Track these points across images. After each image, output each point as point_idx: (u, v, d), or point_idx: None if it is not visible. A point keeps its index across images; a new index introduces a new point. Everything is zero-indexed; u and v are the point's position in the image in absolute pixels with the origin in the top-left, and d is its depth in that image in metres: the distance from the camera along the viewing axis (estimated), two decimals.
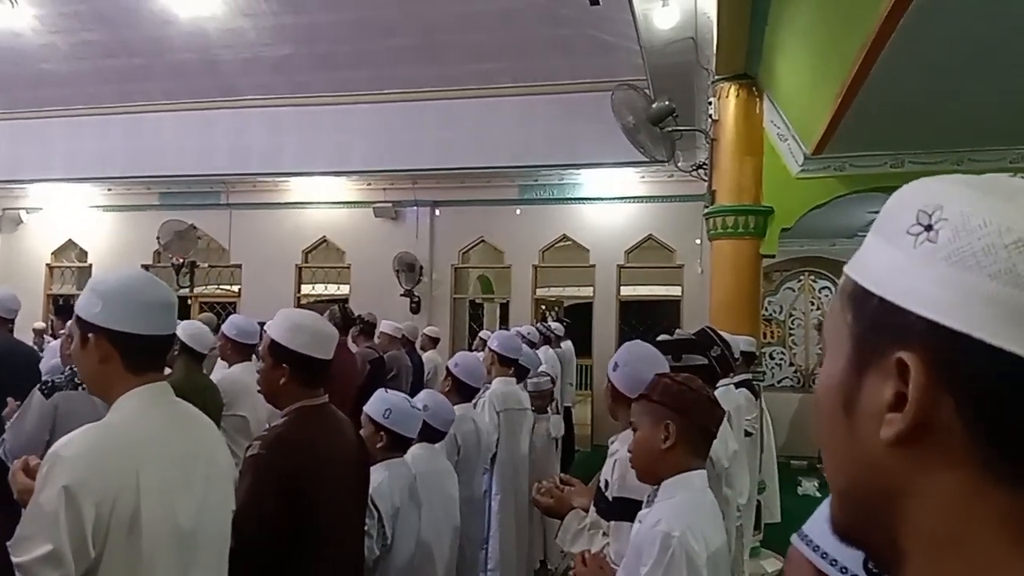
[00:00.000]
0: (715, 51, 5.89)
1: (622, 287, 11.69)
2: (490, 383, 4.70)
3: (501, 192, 11.92)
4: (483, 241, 12.28)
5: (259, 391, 2.41)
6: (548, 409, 5.64)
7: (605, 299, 11.66)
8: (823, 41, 4.71)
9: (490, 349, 4.73)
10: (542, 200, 11.89)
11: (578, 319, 11.99)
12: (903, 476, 0.54)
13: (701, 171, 7.19)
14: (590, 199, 11.74)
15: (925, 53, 4.00)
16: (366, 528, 2.65)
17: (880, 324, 0.55)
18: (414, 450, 3.07)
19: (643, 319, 11.66)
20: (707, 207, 6.63)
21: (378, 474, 2.80)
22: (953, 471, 0.52)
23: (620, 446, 2.46)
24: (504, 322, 12.44)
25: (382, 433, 2.90)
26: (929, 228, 0.54)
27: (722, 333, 3.90)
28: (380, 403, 2.97)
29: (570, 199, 11.87)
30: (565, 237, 11.93)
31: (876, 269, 0.57)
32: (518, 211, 11.93)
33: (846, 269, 0.61)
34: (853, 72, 4.15)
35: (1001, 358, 0.50)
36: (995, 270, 0.50)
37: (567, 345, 9.22)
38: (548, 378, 5.71)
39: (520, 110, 10.80)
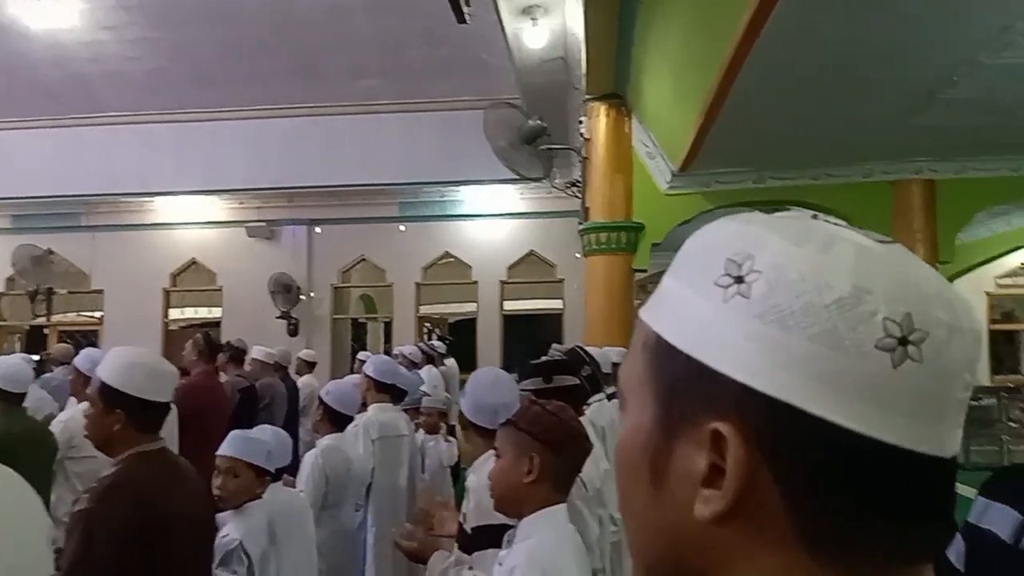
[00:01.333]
0: (584, 71, 5.97)
1: (505, 302, 11.71)
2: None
3: (382, 209, 11.75)
4: (364, 259, 12.05)
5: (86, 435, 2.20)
6: (440, 430, 5.50)
7: (489, 314, 11.65)
8: (686, 63, 4.83)
9: (365, 375, 4.57)
10: (424, 217, 11.79)
11: (463, 335, 11.93)
12: (720, 556, 0.48)
13: (575, 188, 7.28)
14: (472, 216, 11.73)
15: (779, 76, 4.16)
16: None
17: (691, 387, 0.49)
18: (270, 490, 2.90)
19: (527, 333, 11.71)
20: (581, 223, 6.70)
21: (243, 518, 2.66)
22: (775, 551, 0.47)
23: (476, 478, 2.39)
24: (388, 341, 12.24)
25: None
26: (740, 280, 0.48)
27: (591, 349, 3.90)
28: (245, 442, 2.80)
29: (452, 216, 11.83)
30: (448, 254, 11.87)
31: (682, 322, 0.50)
32: (402, 228, 11.78)
33: (643, 316, 0.54)
34: (714, 92, 4.27)
35: (823, 428, 0.45)
36: (815, 332, 0.45)
37: (451, 363, 9.12)
38: (438, 398, 5.58)
39: (402, 127, 10.68)
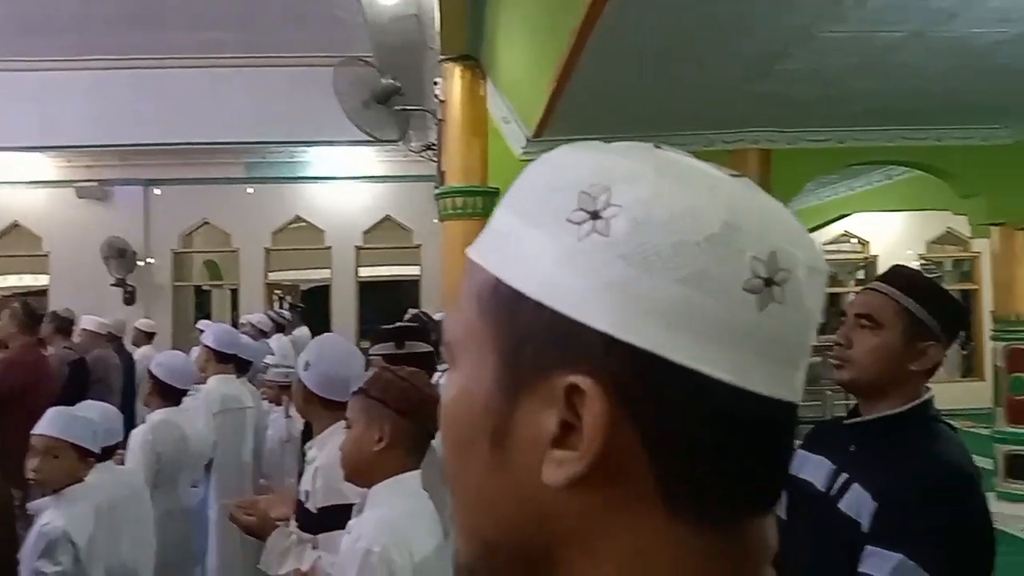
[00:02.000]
0: (438, 30, 5.84)
1: (360, 268, 11.48)
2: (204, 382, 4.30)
3: (227, 170, 11.17)
4: (207, 223, 11.46)
5: None
6: (283, 403, 5.29)
7: (344, 281, 11.39)
8: (538, 25, 4.81)
9: (204, 345, 4.33)
10: (273, 179, 11.32)
11: (316, 303, 11.61)
12: (573, 525, 0.43)
13: (431, 151, 7.17)
14: (324, 178, 11.37)
15: (627, 42, 4.22)
16: (60, 568, 2.33)
17: (541, 338, 0.43)
18: (96, 471, 2.69)
19: (383, 300, 11.54)
20: (437, 188, 6.62)
21: (65, 503, 2.53)
22: (635, 513, 0.43)
23: (318, 452, 2.30)
24: (235, 310, 11.73)
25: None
26: (596, 216, 0.42)
27: (436, 316, 3.86)
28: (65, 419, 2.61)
29: (303, 178, 11.42)
30: (299, 218, 11.47)
31: (529, 265, 0.44)
32: (250, 190, 11.25)
33: (476, 259, 0.48)
34: (565, 58, 4.27)
35: (691, 379, 0.41)
36: (684, 274, 0.41)
37: (303, 331, 8.85)
38: (285, 369, 5.36)
39: (248, 83, 10.14)
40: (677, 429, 0.42)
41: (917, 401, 1.53)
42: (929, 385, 1.58)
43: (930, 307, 1.52)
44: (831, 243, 11.83)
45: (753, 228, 0.42)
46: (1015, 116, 6.19)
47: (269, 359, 5.48)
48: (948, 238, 11.80)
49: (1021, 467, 6.44)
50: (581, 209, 0.43)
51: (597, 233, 0.42)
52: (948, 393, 11.26)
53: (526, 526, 0.45)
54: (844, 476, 1.51)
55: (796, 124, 6.21)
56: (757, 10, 3.82)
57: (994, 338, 6.89)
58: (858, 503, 1.44)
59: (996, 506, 6.40)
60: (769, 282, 0.42)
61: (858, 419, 1.59)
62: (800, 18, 3.86)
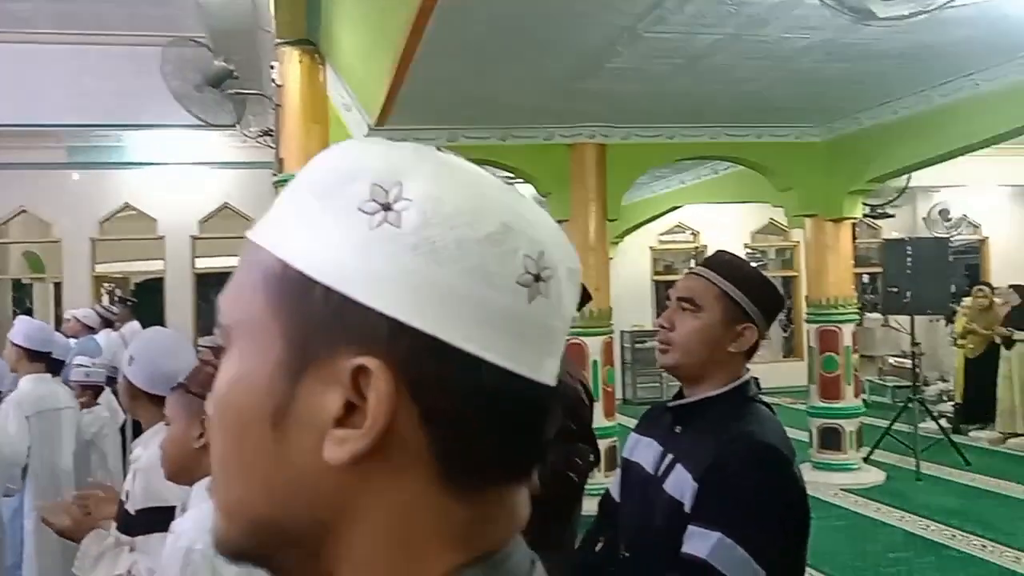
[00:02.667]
0: (273, 13, 5.65)
1: (197, 259, 10.94)
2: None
3: (47, 154, 10.33)
4: (25, 211, 10.55)
5: None
6: (99, 404, 4.98)
7: (179, 273, 10.83)
8: (376, 12, 4.76)
9: (12, 343, 4.01)
10: (99, 164, 10.57)
11: (149, 296, 10.97)
12: (349, 499, 0.46)
13: (268, 137, 6.94)
14: (156, 164, 10.72)
15: (465, 32, 4.26)
16: None
17: (331, 322, 0.45)
18: None
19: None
20: (275, 175, 6.42)
21: None
22: (411, 488, 0.46)
23: (142, 451, 2.21)
24: (58, 305, 10.90)
25: None
26: (388, 208, 0.45)
27: None
28: None
29: (133, 163, 10.72)
30: (128, 206, 10.78)
31: (319, 251, 0.46)
32: (76, 176, 10.45)
33: (259, 241, 0.49)
34: (403, 45, 4.25)
35: (470, 362, 0.45)
36: (467, 265, 0.45)
37: (133, 326, 8.34)
38: (98, 368, 5.04)
39: (70, 61, 9.36)
40: (453, 407, 0.45)
41: (737, 382, 1.58)
42: (748, 367, 1.65)
43: (747, 291, 1.59)
44: (666, 233, 12.44)
45: (526, 230, 0.47)
46: (823, 116, 6.74)
47: (79, 359, 5.13)
48: (771, 228, 12.68)
49: (832, 438, 7.03)
50: (373, 200, 0.45)
51: (389, 224, 0.45)
52: (772, 373, 12.12)
53: (302, 502, 0.47)
54: (669, 457, 1.55)
55: (629, 120, 6.47)
56: (585, 8, 3.95)
57: (808, 321, 7.47)
58: (681, 484, 1.48)
59: (811, 475, 7.00)
60: (537, 278, 0.47)
61: (682, 401, 1.63)
62: (625, 19, 4.03)
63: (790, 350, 12.93)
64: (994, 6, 4.07)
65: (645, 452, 1.65)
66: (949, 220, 12.03)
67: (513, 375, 0.46)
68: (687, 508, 1.45)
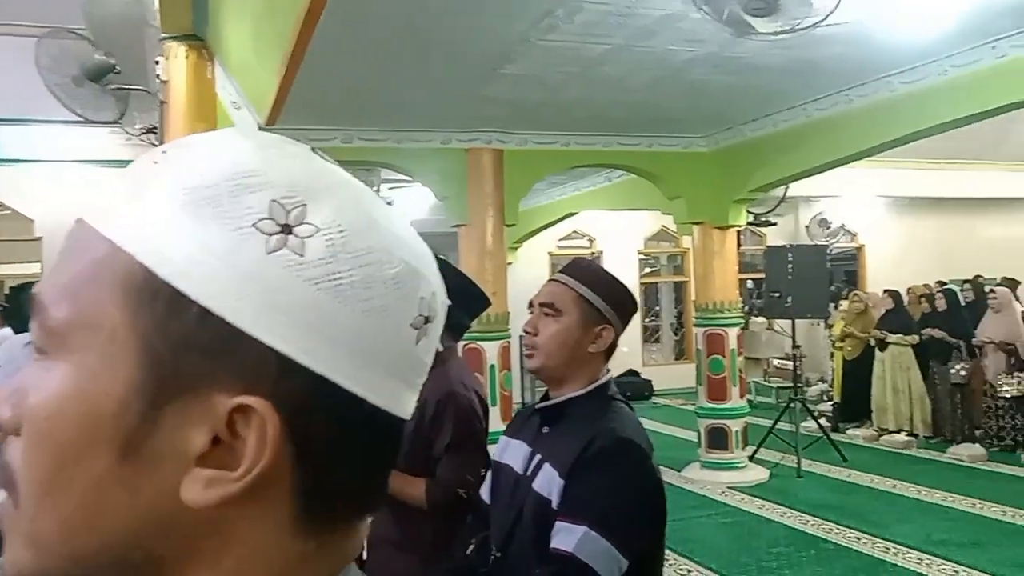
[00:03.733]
0: (157, 6, 5.43)
1: None
2: None
3: None
4: None
5: None
6: None
7: None
8: (264, 7, 4.64)
9: None
10: None
11: (23, 300, 10.34)
12: (198, 539, 0.42)
13: (152, 135, 6.66)
14: (33, 161, 10.12)
15: (356, 33, 4.21)
16: None
17: (206, 348, 0.40)
18: None
19: None
20: None
21: None
22: (266, 527, 0.43)
23: None
24: None
25: None
26: (288, 231, 0.41)
27: None
28: None
29: (6, 160, 10.08)
30: (2, 205, 10.13)
31: (195, 265, 0.40)
32: None
33: (107, 231, 0.42)
34: (293, 43, 4.15)
35: (360, 406, 0.43)
36: (371, 307, 0.42)
37: (4, 332, 7.84)
38: None
39: None
40: (329, 448, 0.43)
41: (598, 382, 1.66)
42: (609, 368, 1.72)
43: (602, 293, 1.67)
44: (563, 239, 12.62)
45: (422, 270, 0.46)
46: (710, 127, 6.99)
47: None
48: (663, 235, 13.04)
49: (719, 438, 7.27)
50: (272, 219, 0.41)
51: (290, 250, 0.41)
52: (665, 375, 12.50)
53: (141, 539, 0.42)
54: (537, 457, 1.60)
55: (526, 126, 6.54)
56: (480, 14, 3.97)
57: (697, 324, 7.72)
58: (548, 482, 1.54)
59: (699, 474, 7.24)
60: (427, 320, 0.46)
61: (548, 402, 1.69)
62: (519, 25, 4.07)
63: (681, 353, 13.33)
64: (864, 27, 4.32)
65: (515, 454, 1.70)
66: (829, 228, 12.67)
67: (393, 418, 0.46)
68: (554, 505, 1.50)
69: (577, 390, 1.64)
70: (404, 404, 0.47)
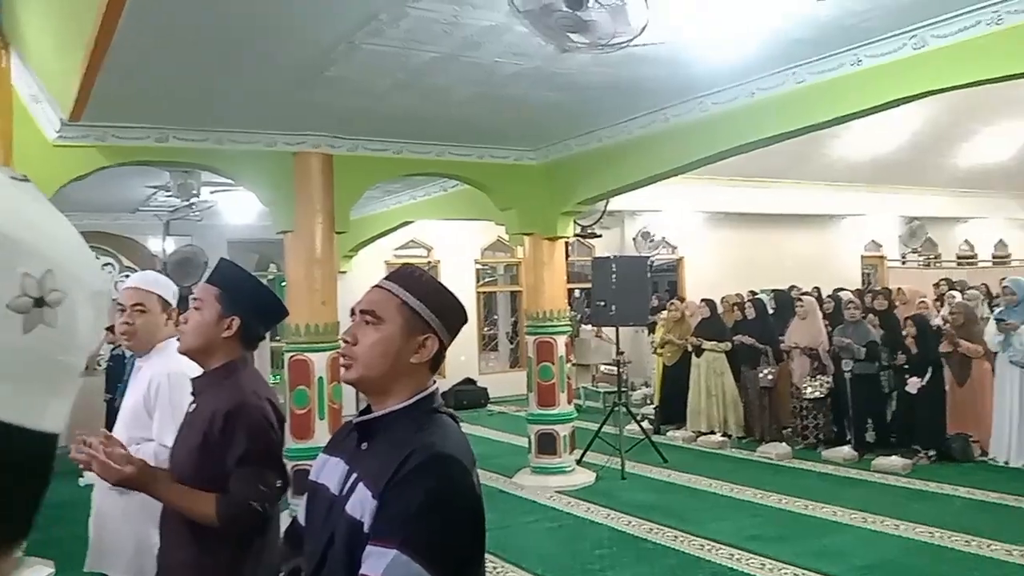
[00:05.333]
0: None
1: None
2: None
3: None
4: None
5: None
6: None
7: None
8: None
9: None
10: None
11: None
12: None
13: None
14: None
15: (163, 30, 3.97)
16: None
17: None
18: None
19: None
20: None
21: None
22: None
23: None
24: None
25: None
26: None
27: None
28: None
29: None
30: None
31: None
32: None
33: None
34: (95, 37, 3.86)
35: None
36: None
37: None
38: None
39: None
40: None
41: (421, 394, 1.57)
42: (436, 379, 1.65)
43: (426, 301, 1.59)
44: (400, 248, 12.52)
45: (30, 241, 0.37)
46: (538, 141, 7.16)
47: None
48: (499, 245, 13.22)
49: (548, 443, 7.43)
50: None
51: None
52: (501, 383, 12.64)
53: None
54: (353, 476, 1.51)
55: (356, 132, 6.42)
56: (296, 11, 3.83)
57: (528, 333, 7.85)
58: (362, 503, 1.45)
59: (529, 479, 7.35)
60: (40, 302, 0.38)
61: (368, 416, 1.59)
62: (341, 27, 3.97)
63: (516, 361, 13.56)
64: (679, 49, 4.56)
65: (331, 473, 1.60)
66: (652, 241, 13.32)
67: (8, 427, 0.38)
68: (367, 528, 1.42)
69: (399, 403, 1.55)
70: (38, 413, 0.39)
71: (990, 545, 5.20)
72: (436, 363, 1.62)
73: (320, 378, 6.35)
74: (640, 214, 13.16)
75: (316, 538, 1.55)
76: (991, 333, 7.36)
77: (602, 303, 7.99)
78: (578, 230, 8.86)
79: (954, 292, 9.82)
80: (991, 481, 6.73)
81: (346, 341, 1.59)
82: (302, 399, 6.33)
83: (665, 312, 9.92)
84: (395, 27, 3.98)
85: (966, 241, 17.43)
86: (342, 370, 1.62)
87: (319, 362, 6.32)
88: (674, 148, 6.13)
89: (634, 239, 13.25)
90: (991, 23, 3.96)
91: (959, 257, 17.14)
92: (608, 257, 8.49)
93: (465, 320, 1.69)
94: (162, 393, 2.66)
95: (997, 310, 7.59)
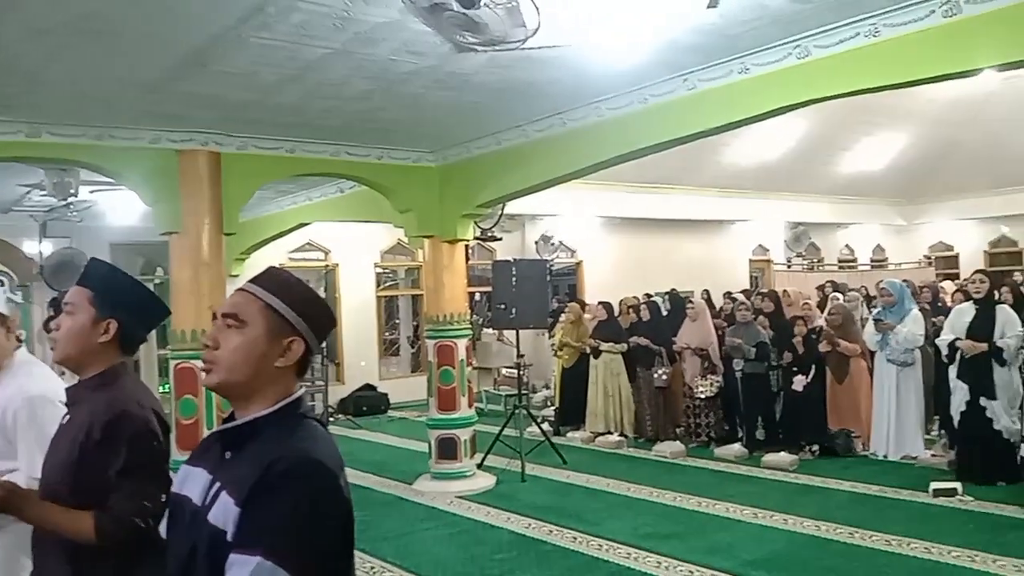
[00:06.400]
0: None
1: None
2: None
3: None
4: None
5: None
6: None
7: None
8: None
9: None
10: None
11: None
12: None
13: None
14: None
15: (26, 19, 3.70)
16: None
17: None
18: None
19: None
20: None
21: None
22: None
23: None
24: None
25: None
26: None
27: None
28: None
29: None
30: None
31: None
32: None
33: None
34: None
35: None
36: None
37: None
38: None
39: None
40: None
41: (287, 400, 1.53)
42: (302, 384, 1.61)
43: (292, 303, 1.55)
44: (296, 251, 12.19)
45: None
46: (437, 143, 7.09)
47: None
48: (400, 248, 13.06)
49: (449, 448, 7.35)
50: None
51: None
52: (403, 387, 12.50)
53: None
54: (216, 485, 1.46)
55: (246, 130, 6.19)
56: (183, 2, 3.65)
57: (429, 336, 7.75)
58: (225, 512, 1.40)
59: (430, 485, 7.26)
60: None
61: (231, 424, 1.54)
62: (226, 18, 3.80)
63: (418, 365, 13.42)
64: (574, 53, 4.57)
65: (195, 483, 1.54)
66: (552, 245, 13.45)
67: None
68: (230, 537, 1.38)
69: (264, 409, 1.51)
70: None
71: (871, 536, 5.44)
72: (302, 367, 1.59)
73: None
74: (541, 218, 13.28)
75: (178, 551, 1.50)
76: (870, 333, 7.74)
77: (503, 306, 7.98)
78: (478, 233, 8.82)
79: (837, 294, 10.32)
80: (871, 475, 7.06)
81: (207, 345, 1.54)
82: (189, 408, 6.05)
83: (564, 315, 10.01)
84: (284, 21, 3.84)
85: (847, 246, 18.39)
86: (202, 375, 1.57)
87: None
88: (571, 152, 6.17)
89: (537, 243, 13.35)
90: (869, 35, 4.15)
91: (840, 261, 18.07)
92: (508, 260, 8.49)
93: (334, 323, 1.67)
94: (22, 421, 2.47)
95: (875, 311, 7.99)
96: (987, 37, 3.80)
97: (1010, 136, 13.45)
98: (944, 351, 6.75)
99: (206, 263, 6.15)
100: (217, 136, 6.14)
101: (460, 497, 6.97)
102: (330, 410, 11.17)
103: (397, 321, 14.50)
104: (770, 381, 8.14)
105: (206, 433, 6.02)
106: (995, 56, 3.89)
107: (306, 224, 10.41)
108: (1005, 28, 3.71)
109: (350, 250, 12.57)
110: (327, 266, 12.52)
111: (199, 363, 5.68)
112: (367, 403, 11.90)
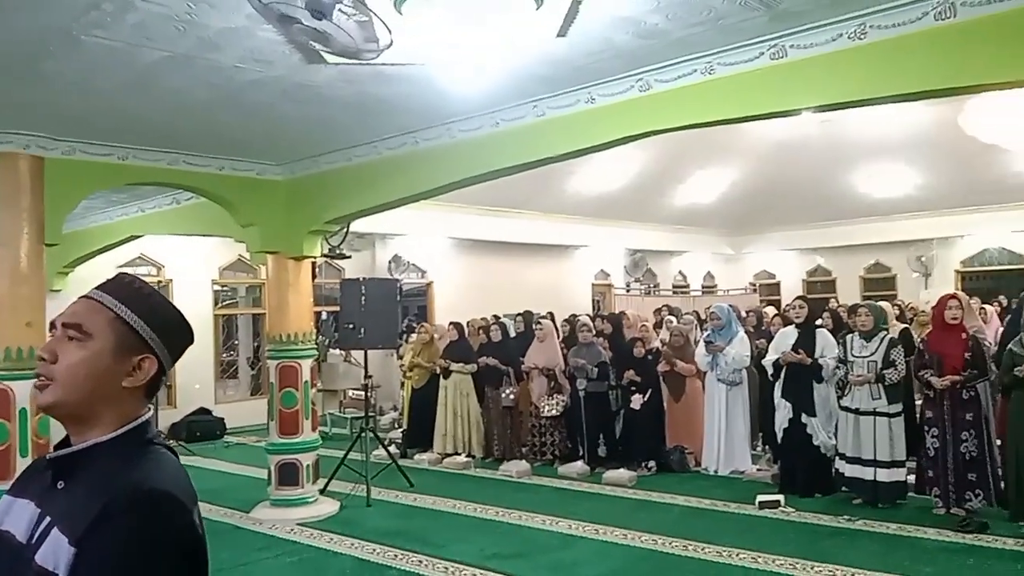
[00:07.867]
0: None
1: None
2: None
3: None
4: None
5: None
6: None
7: None
8: None
9: None
10: None
11: None
12: None
13: None
14: None
15: None
16: None
17: None
18: None
19: None
20: None
21: None
22: None
23: None
24: None
25: None
26: None
27: None
28: None
29: None
30: None
31: None
32: None
33: None
34: None
35: None
36: None
37: None
38: None
39: None
40: None
41: (133, 423, 1.37)
42: (151, 406, 1.45)
43: (147, 317, 1.39)
44: (126, 265, 11.40)
45: None
46: (284, 156, 6.89)
47: None
48: (240, 265, 12.52)
49: (290, 474, 7.08)
50: None
51: None
52: (241, 411, 11.98)
53: None
54: (47, 520, 1.28)
55: (73, 134, 5.77)
56: None
57: (270, 357, 7.46)
58: (56, 551, 1.23)
59: (269, 513, 6.95)
60: None
61: (65, 450, 1.35)
62: (57, 15, 3.53)
63: (258, 388, 12.89)
64: (427, 73, 4.57)
65: (18, 517, 1.34)
66: (403, 265, 13.36)
67: None
68: None
69: (105, 433, 1.34)
70: None
71: (704, 548, 5.72)
72: (152, 388, 1.42)
73: (23, 410, 5.57)
74: (392, 238, 13.18)
75: None
76: (700, 354, 8.19)
77: (350, 326, 7.82)
78: (327, 250, 8.61)
79: (672, 317, 10.87)
80: (703, 489, 7.45)
81: (43, 359, 1.35)
82: (1, 434, 5.52)
83: (415, 335, 9.94)
84: (121, 21, 3.61)
85: (680, 272, 19.44)
86: (36, 392, 1.37)
87: (21, 391, 5.53)
88: (422, 172, 6.17)
89: (390, 262, 13.21)
90: (705, 72, 4.43)
91: (675, 286, 19.09)
92: (357, 279, 8.34)
93: (191, 340, 1.50)
94: None
95: (706, 334, 8.47)
96: (807, 81, 4.16)
97: (826, 175, 14.78)
98: (770, 370, 7.25)
99: (24, 276, 5.67)
100: (42, 139, 5.68)
101: (301, 524, 6.72)
102: (160, 436, 10.49)
103: (236, 341, 13.87)
104: (610, 400, 8.43)
105: (20, 461, 5.56)
106: (813, 98, 4.26)
107: (138, 236, 9.78)
108: (822, 72, 4.07)
109: (186, 265, 11.95)
110: (160, 282, 11.80)
111: (13, 384, 5.19)
112: (201, 428, 11.29)
